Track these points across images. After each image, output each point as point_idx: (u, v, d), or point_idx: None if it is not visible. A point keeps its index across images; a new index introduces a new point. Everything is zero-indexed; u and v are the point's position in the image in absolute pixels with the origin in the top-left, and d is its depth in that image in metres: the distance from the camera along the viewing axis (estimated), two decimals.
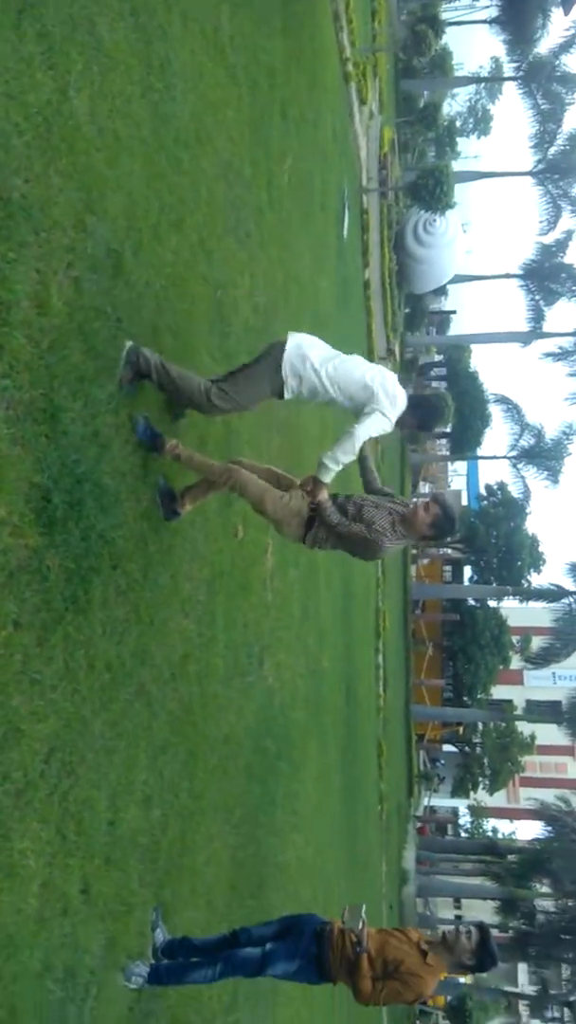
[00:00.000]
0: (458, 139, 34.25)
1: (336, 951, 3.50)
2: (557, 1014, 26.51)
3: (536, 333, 29.47)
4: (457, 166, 30.11)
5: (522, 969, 33.08)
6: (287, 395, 3.68)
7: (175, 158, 4.11)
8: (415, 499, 3.84)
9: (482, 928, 3.61)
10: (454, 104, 48.09)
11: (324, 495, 3.69)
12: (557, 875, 20.93)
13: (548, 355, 28.88)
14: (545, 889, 22.60)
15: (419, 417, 3.91)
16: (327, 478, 3.66)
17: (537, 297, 29.23)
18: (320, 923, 3.64)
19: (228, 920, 4.54)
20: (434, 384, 38.27)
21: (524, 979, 33.57)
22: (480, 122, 49.61)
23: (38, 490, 2.53)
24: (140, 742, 3.36)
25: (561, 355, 28.52)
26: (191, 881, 3.99)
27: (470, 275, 33.97)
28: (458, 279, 32.07)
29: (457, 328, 46.61)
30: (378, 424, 3.67)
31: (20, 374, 2.47)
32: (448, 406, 30.37)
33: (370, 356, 17.52)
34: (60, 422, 2.67)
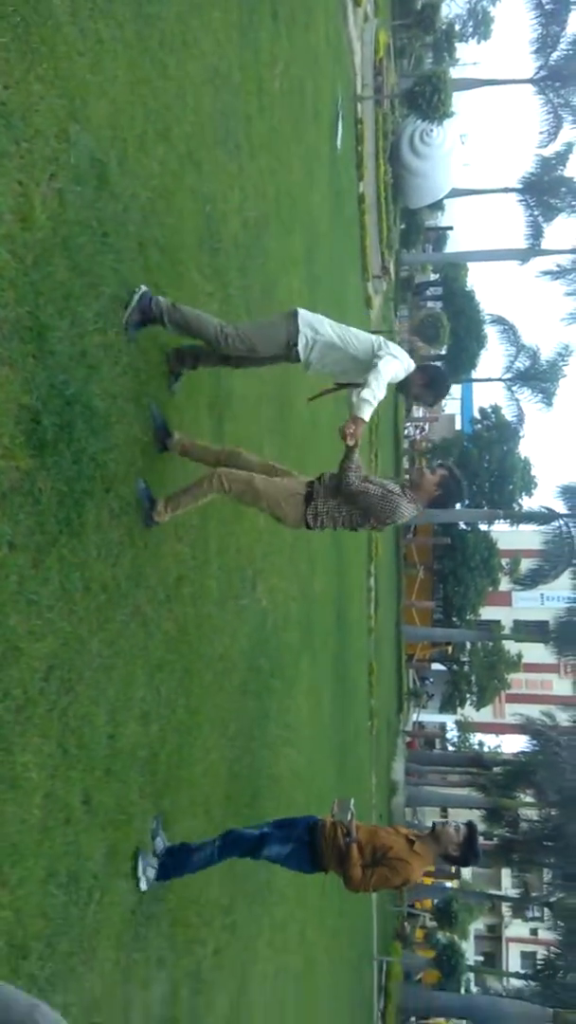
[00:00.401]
0: (457, 44, 32.55)
1: (327, 840, 3.72)
2: (538, 914, 28.04)
3: (534, 250, 28.79)
4: (455, 73, 28.81)
5: (505, 874, 34.78)
6: (300, 345, 3.63)
7: (160, 62, 3.91)
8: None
9: (470, 825, 3.80)
10: (453, 6, 45.63)
11: (360, 435, 3.57)
12: (540, 786, 21.81)
13: (546, 273, 28.28)
14: (529, 799, 23.58)
15: (429, 375, 3.92)
16: (367, 414, 3.52)
17: (536, 213, 28.44)
18: (313, 819, 3.85)
19: (225, 827, 4.73)
20: (430, 304, 37.56)
21: (507, 883, 35.34)
22: (480, 25, 47.11)
23: (27, 412, 2.50)
24: (137, 660, 3.42)
25: (559, 273, 27.92)
26: (189, 792, 4.13)
27: (467, 189, 32.96)
28: (455, 193, 31.11)
29: (454, 245, 45.42)
30: (393, 366, 3.64)
31: (5, 291, 2.41)
32: (444, 326, 29.96)
33: (364, 274, 17.14)
34: (47, 341, 2.62)
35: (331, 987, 9.49)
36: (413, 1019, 21.84)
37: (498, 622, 34.58)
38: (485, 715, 37.35)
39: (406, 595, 31.08)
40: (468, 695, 34.14)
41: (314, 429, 8.70)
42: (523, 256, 29.30)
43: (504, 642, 32.04)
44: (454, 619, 32.98)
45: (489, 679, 32.87)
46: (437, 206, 35.59)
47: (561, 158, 28.22)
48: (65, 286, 2.79)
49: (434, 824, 3.92)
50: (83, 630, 2.90)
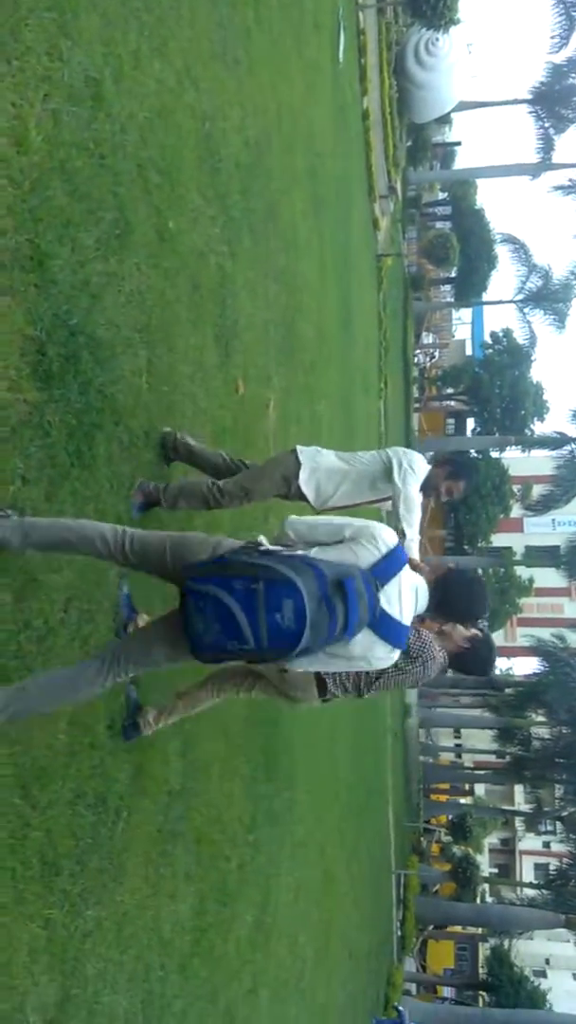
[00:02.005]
0: None
1: None
2: (550, 828, 28.96)
3: (545, 164, 27.81)
4: None
5: (518, 790, 35.85)
6: (303, 478, 3.45)
7: None
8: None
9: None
10: None
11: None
12: (552, 705, 22.28)
13: (558, 188, 27.38)
14: (540, 718, 24.12)
15: (450, 464, 3.74)
16: (416, 552, 3.26)
17: (547, 124, 27.36)
18: None
19: (244, 752, 4.87)
20: (438, 224, 36.51)
21: (520, 799, 36.45)
22: None
23: (32, 343, 2.47)
24: (154, 590, 3.45)
25: (571, 188, 27.02)
26: (210, 716, 4.23)
27: (475, 102, 31.63)
28: (462, 107, 29.88)
29: (462, 162, 43.88)
30: (416, 482, 3.39)
31: (3, 219, 2.35)
32: (454, 247, 29.19)
33: (371, 195, 16.63)
34: (48, 270, 2.57)
35: (352, 899, 9.92)
36: (430, 927, 22.86)
37: (510, 548, 34.70)
38: (497, 639, 37.75)
39: None
40: (482, 618, 34.51)
41: (322, 354, 8.59)
42: (534, 171, 28.32)
43: (516, 568, 32.23)
44: (466, 547, 33.13)
45: (501, 604, 33.19)
46: (444, 120, 34.24)
47: (573, 64, 26.95)
48: (64, 212, 2.72)
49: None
50: (101, 562, 2.92)
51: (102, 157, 3.03)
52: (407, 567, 2.71)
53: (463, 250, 29.68)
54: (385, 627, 2.59)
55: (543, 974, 30.21)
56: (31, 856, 2.39)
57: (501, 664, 39.39)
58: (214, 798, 4.24)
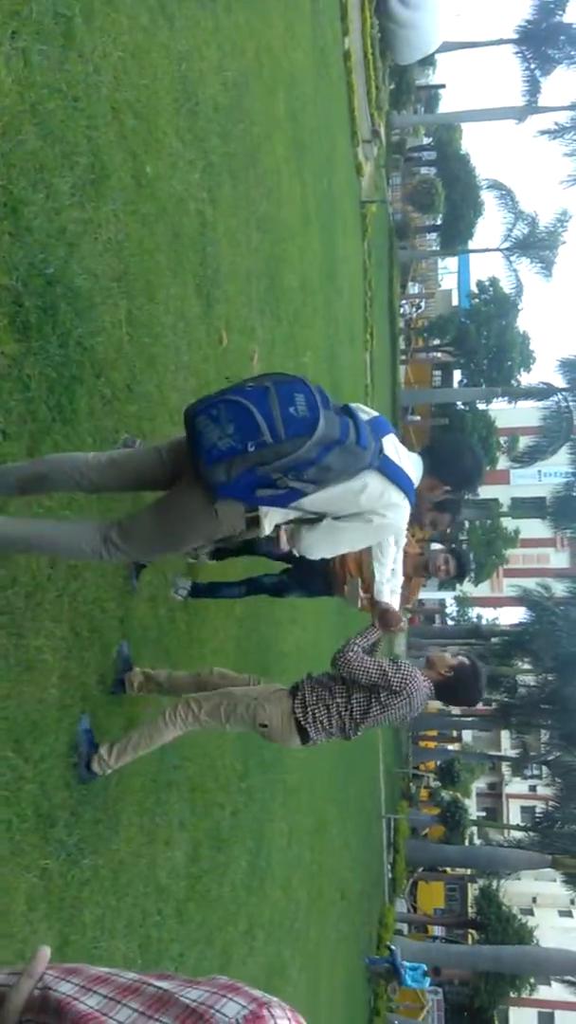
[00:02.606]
0: None
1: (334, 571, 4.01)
2: (536, 772, 29.67)
3: (531, 108, 27.21)
4: None
5: (505, 736, 36.61)
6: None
7: None
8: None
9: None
10: None
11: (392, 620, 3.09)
12: (537, 653, 22.64)
13: (544, 132, 26.81)
14: (526, 666, 24.53)
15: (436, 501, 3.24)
16: (386, 597, 3.10)
17: (533, 65, 26.68)
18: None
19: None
20: (423, 170, 35.81)
21: (507, 744, 37.25)
22: None
23: (8, 293, 2.41)
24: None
25: (558, 132, 26.46)
26: (196, 666, 4.27)
27: (459, 43, 30.76)
28: (447, 47, 29.09)
29: (447, 105, 42.91)
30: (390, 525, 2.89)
31: None
32: (439, 193, 28.68)
33: (354, 139, 16.25)
34: (23, 217, 2.49)
35: (343, 843, 10.16)
36: (420, 869, 23.52)
37: (496, 500, 34.87)
38: (483, 590, 38.29)
39: None
40: (469, 573, 34.83)
41: (306, 304, 8.47)
42: (520, 114, 27.72)
43: (502, 519, 32.42)
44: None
45: (487, 556, 33.48)
46: (428, 62, 33.34)
47: (559, 2, 26.18)
48: (37, 156, 2.63)
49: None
50: (86, 517, 2.90)
51: (75, 99, 2.93)
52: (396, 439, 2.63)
53: (448, 196, 29.18)
54: (392, 471, 2.51)
55: (530, 912, 31.24)
56: (26, 808, 2.41)
57: (487, 614, 40.00)
58: (207, 748, 4.30)
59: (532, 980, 20.93)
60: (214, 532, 2.40)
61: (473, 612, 40.60)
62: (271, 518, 2.43)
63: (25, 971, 0.82)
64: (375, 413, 2.60)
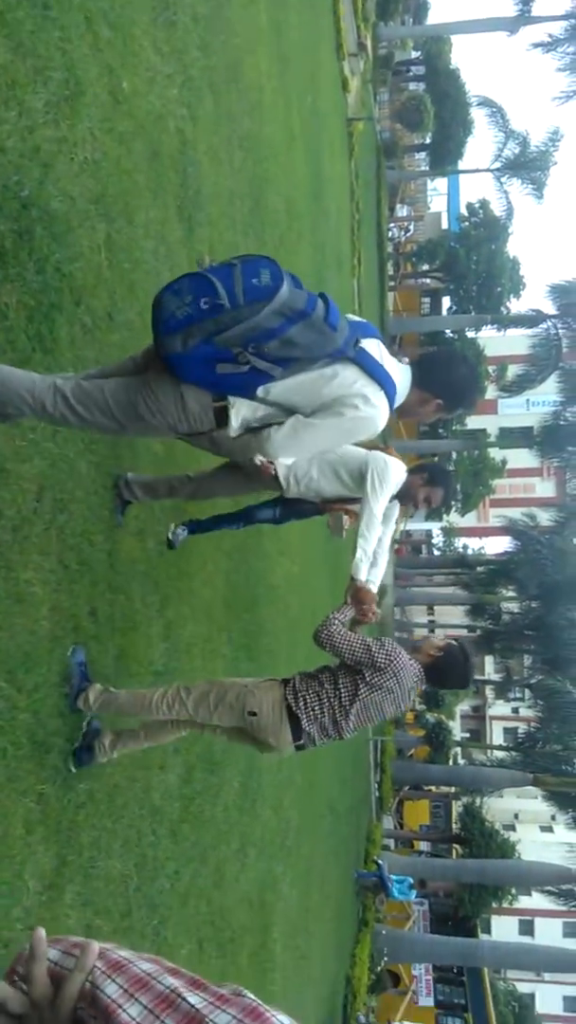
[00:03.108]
0: None
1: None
2: (519, 695, 30.45)
3: (524, 18, 25.97)
4: None
5: (488, 661, 37.44)
6: (281, 474, 2.67)
7: None
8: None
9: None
10: None
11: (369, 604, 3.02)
12: (522, 581, 22.96)
13: (537, 45, 25.70)
14: (510, 594, 24.91)
15: (428, 472, 3.31)
16: (363, 573, 2.98)
17: None
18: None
19: (227, 631, 4.98)
20: (412, 86, 34.46)
21: (490, 668, 38.14)
22: None
23: None
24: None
25: (551, 45, 25.34)
26: (190, 601, 4.31)
27: None
28: None
29: (436, 16, 41.04)
30: (381, 494, 2.94)
31: None
32: (428, 110, 27.64)
33: (340, 53, 15.56)
34: None
35: (332, 763, 10.47)
36: (406, 788, 24.36)
37: (484, 430, 34.80)
38: (470, 520, 38.60)
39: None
40: (453, 502, 35.05)
41: (292, 228, 8.25)
42: (512, 25, 26.48)
43: (489, 449, 32.43)
44: (440, 430, 33.13)
45: (474, 486, 33.60)
46: None
47: None
48: (8, 71, 2.50)
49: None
50: (69, 451, 2.87)
51: (46, 7, 2.77)
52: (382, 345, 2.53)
53: (438, 114, 28.15)
54: (370, 365, 2.40)
55: (512, 828, 32.55)
56: (20, 736, 2.46)
57: (473, 544, 40.43)
58: (198, 677, 4.36)
59: (514, 891, 21.93)
60: (177, 420, 2.34)
61: (460, 542, 41.02)
62: (239, 410, 2.33)
63: (77, 965, 0.87)
64: (363, 320, 2.55)
